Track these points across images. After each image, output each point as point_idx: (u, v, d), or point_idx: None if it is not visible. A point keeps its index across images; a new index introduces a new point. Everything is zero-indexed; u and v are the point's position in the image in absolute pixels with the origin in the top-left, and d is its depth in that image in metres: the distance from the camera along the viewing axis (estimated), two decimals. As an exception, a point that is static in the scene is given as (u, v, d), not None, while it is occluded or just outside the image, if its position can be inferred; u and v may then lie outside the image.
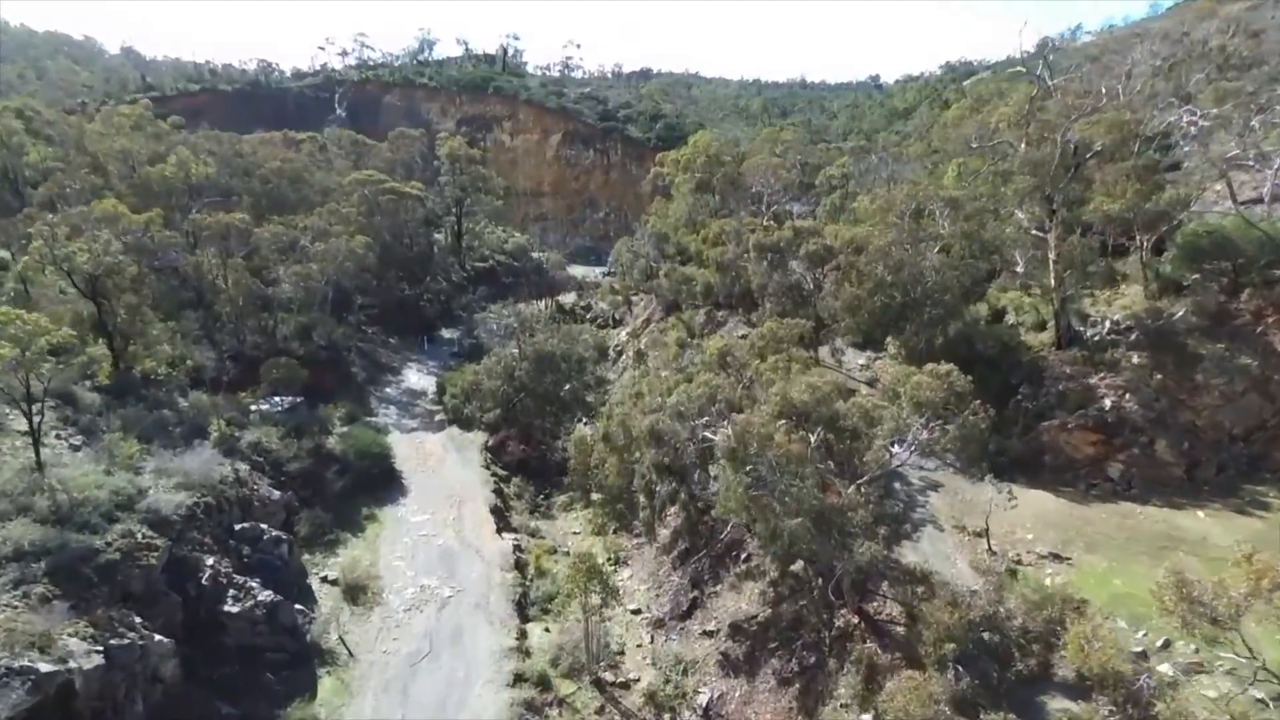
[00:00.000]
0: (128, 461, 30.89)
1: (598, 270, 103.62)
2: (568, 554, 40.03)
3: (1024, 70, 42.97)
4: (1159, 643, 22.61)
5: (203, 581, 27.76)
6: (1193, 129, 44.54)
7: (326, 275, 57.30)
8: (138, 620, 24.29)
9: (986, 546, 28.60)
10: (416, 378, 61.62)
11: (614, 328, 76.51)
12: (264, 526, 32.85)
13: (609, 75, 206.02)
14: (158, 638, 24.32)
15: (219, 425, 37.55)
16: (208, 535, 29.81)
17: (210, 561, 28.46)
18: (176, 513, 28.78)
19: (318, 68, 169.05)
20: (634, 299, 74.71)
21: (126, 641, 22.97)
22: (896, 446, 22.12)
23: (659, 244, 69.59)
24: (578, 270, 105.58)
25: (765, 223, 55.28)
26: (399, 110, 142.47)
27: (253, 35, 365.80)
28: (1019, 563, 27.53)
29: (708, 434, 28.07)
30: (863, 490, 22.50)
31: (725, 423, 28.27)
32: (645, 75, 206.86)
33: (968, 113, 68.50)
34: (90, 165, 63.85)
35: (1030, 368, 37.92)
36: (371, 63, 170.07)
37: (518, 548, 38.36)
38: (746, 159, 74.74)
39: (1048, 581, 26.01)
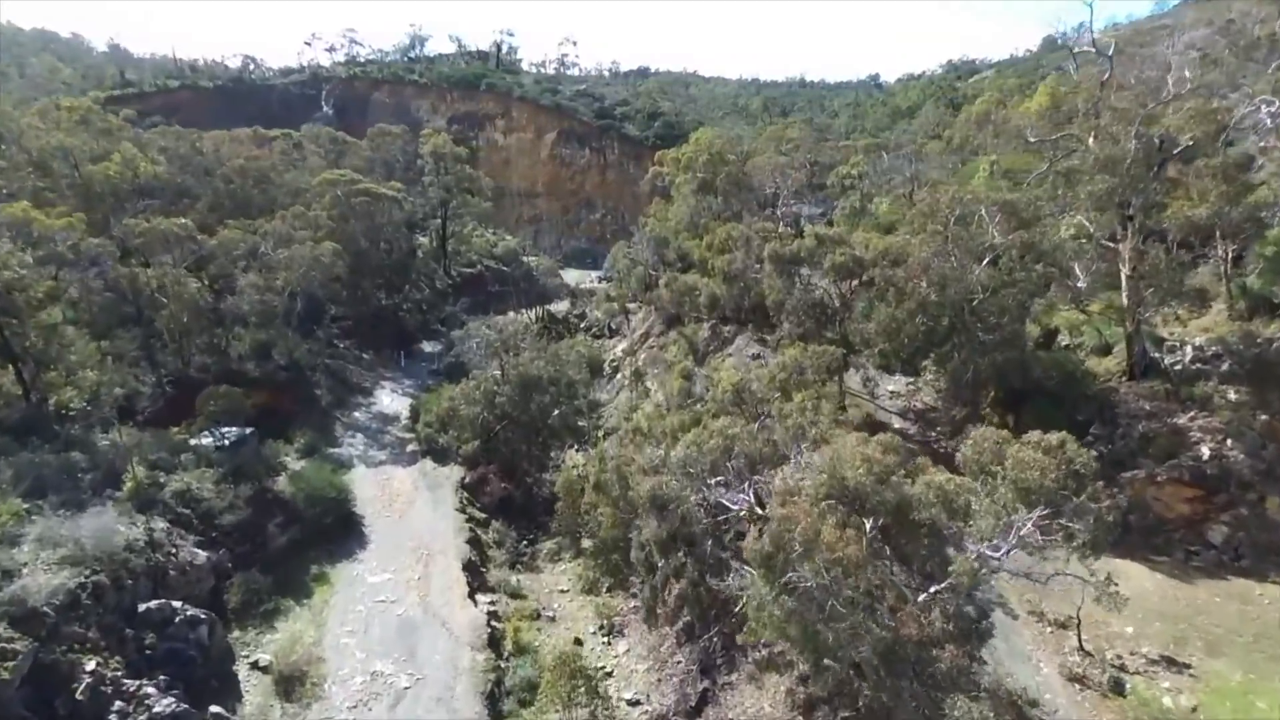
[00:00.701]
0: (1, 529, 24.87)
1: (594, 274, 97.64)
2: (553, 619, 34.21)
3: (1093, 51, 36.90)
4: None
5: (78, 695, 21.65)
6: (1269, 121, 39.04)
7: (290, 285, 51.37)
8: (-30, 765, 18.39)
9: (1077, 644, 22.73)
10: (390, 399, 55.56)
11: (610, 338, 70.75)
12: (177, 605, 26.74)
13: (605, 73, 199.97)
14: (-3, 788, 18.39)
15: (135, 472, 31.48)
16: (94, 626, 23.64)
17: (92, 665, 22.34)
18: (51, 601, 22.67)
19: (305, 64, 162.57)
20: (631, 307, 68.92)
21: (-60, 807, 17.05)
22: (988, 546, 16.21)
23: (658, 249, 63.67)
24: (572, 275, 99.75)
25: (781, 229, 49.40)
26: (388, 108, 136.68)
27: (249, 34, 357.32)
28: (1123, 669, 21.62)
29: (724, 501, 22.14)
30: (940, 598, 16.51)
31: (746, 485, 22.42)
32: (643, 73, 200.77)
33: (994, 107, 63.45)
34: (32, 164, 57.77)
35: (1100, 402, 32.08)
36: (360, 59, 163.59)
37: (493, 615, 32.31)
38: (751, 158, 69.31)
39: (1167, 701, 20.15)
